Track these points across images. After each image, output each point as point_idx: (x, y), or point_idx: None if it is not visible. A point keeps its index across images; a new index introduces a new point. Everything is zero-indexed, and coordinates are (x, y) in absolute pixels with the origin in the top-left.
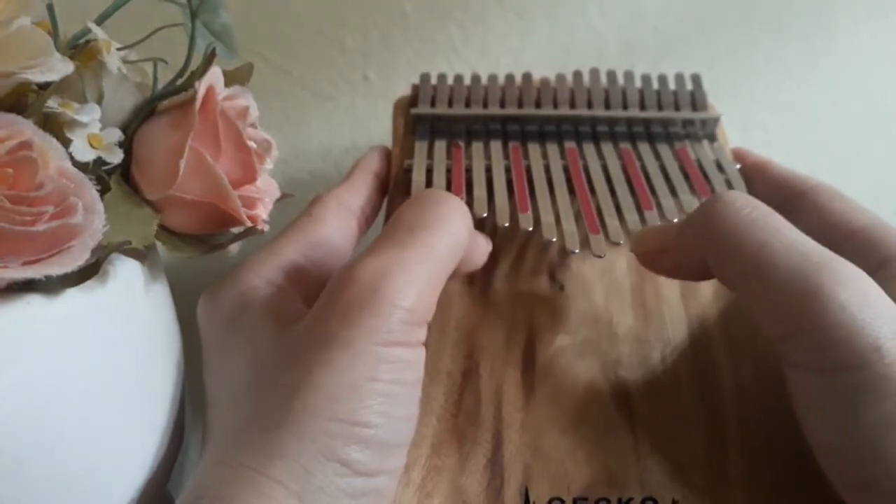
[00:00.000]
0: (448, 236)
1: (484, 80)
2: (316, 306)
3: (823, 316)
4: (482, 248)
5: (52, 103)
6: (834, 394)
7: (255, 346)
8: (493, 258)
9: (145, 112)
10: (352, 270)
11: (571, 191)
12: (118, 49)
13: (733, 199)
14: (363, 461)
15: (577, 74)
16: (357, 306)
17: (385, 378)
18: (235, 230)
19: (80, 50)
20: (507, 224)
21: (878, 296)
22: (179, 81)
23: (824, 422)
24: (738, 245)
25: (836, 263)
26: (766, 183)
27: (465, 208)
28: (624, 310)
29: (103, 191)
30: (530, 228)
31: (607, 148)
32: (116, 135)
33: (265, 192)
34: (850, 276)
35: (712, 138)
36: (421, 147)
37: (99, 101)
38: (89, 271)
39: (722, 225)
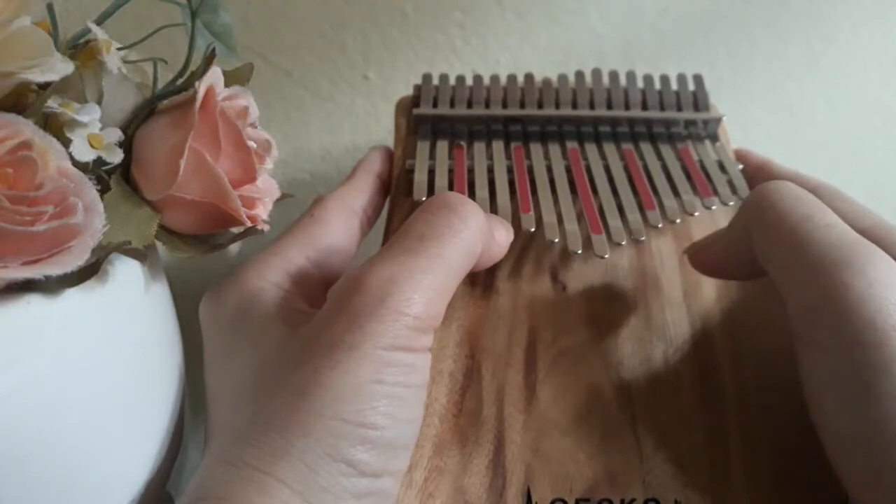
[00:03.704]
0: (459, 247)
1: (486, 81)
2: (323, 309)
3: (850, 289)
4: (501, 243)
5: (52, 103)
6: (849, 374)
7: (259, 346)
8: None
9: (145, 112)
10: (361, 276)
11: (574, 191)
12: (118, 49)
13: (784, 182)
14: (368, 462)
15: (579, 75)
16: (364, 313)
17: (390, 381)
18: (236, 230)
19: (80, 50)
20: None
21: None
22: (179, 81)
23: (836, 405)
24: (783, 214)
25: (870, 246)
26: None
27: (481, 214)
28: (626, 310)
29: (103, 191)
30: (532, 229)
31: (609, 148)
32: (116, 135)
33: (265, 192)
34: (880, 258)
35: (714, 138)
36: (423, 147)
37: (99, 101)
38: (89, 271)
39: (771, 197)
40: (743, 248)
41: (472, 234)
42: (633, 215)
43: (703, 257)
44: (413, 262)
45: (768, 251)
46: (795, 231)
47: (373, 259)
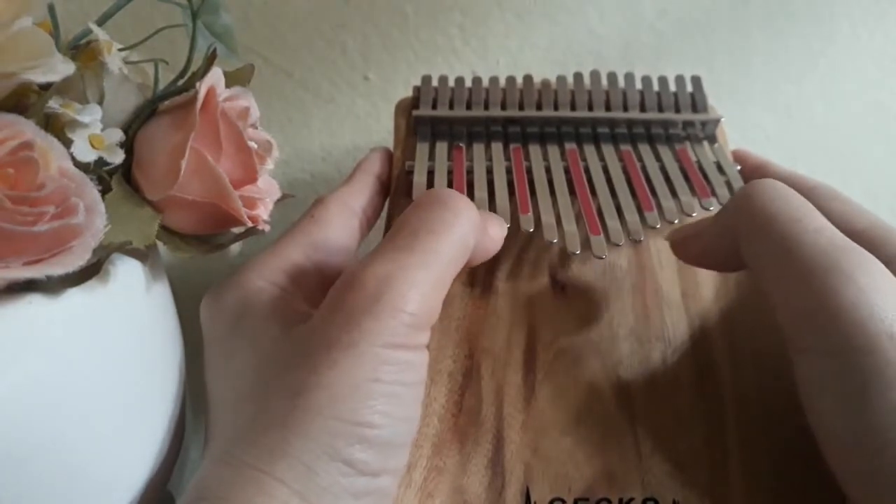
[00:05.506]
0: (453, 241)
1: (485, 82)
2: (320, 309)
3: (841, 295)
4: (495, 237)
5: (54, 104)
6: (842, 379)
7: (259, 347)
8: (495, 259)
9: (146, 112)
10: (357, 275)
11: (572, 192)
12: (119, 50)
13: (773, 182)
14: (366, 461)
15: (578, 76)
16: (361, 310)
17: (387, 379)
18: (236, 230)
19: (82, 50)
20: (508, 225)
21: (894, 286)
22: (181, 82)
23: (830, 409)
24: (771, 219)
25: (859, 251)
26: None
27: (473, 209)
28: (625, 310)
29: (104, 191)
30: (531, 230)
31: (608, 149)
32: (117, 135)
33: (266, 193)
34: (870, 263)
35: (713, 140)
36: (422, 149)
37: (100, 102)
38: (90, 271)
39: (759, 200)
40: (728, 243)
41: (464, 227)
42: (632, 216)
43: (687, 248)
44: (408, 258)
45: (756, 254)
46: (784, 236)
47: (368, 257)
